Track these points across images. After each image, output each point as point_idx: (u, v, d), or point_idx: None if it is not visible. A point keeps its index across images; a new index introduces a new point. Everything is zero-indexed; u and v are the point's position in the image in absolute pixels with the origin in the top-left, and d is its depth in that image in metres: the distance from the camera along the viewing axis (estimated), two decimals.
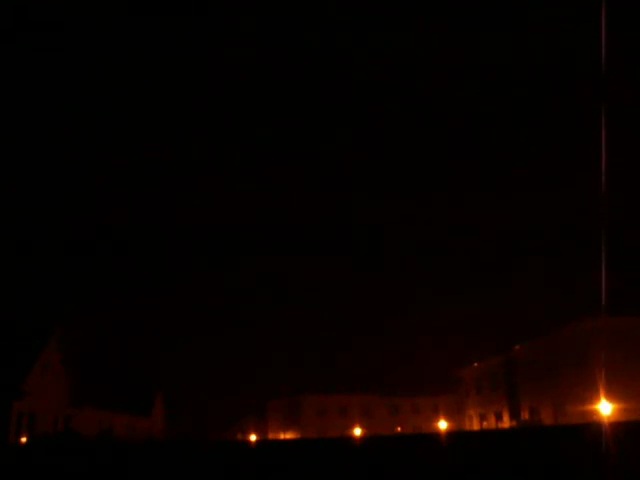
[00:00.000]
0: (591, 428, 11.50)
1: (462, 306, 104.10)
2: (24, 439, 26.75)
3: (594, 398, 24.87)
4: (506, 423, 35.50)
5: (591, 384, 25.58)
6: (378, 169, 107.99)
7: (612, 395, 23.69)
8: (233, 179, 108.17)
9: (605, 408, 21.99)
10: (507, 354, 36.39)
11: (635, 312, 27.13)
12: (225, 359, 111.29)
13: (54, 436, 23.45)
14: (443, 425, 36.03)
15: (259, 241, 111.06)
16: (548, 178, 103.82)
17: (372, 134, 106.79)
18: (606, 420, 18.83)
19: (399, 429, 57.26)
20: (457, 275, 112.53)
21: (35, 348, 30.52)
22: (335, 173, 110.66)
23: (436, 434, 14.20)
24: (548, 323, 32.19)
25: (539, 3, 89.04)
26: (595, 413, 23.94)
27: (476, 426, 40.31)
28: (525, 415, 33.45)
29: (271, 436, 58.25)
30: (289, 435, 56.10)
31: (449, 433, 19.40)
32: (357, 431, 44.28)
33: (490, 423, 38.13)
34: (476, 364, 41.33)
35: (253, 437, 47.83)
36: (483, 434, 20.96)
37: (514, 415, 34.72)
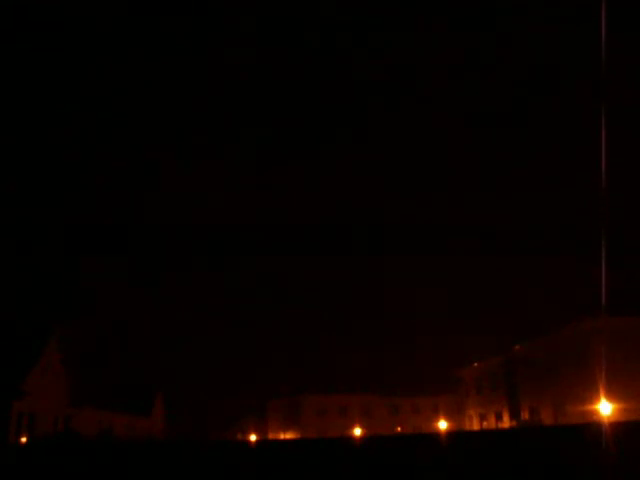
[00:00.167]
0: (591, 428, 11.50)
1: (462, 306, 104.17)
2: (24, 439, 26.76)
3: (594, 398, 24.88)
4: (506, 423, 35.49)
5: (591, 384, 25.58)
6: (378, 169, 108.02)
7: (612, 395, 23.69)
8: (233, 179, 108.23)
9: (605, 408, 21.98)
10: (507, 354, 36.39)
11: (635, 312, 27.13)
12: (225, 359, 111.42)
13: (54, 436, 23.49)
14: (443, 425, 36.03)
15: (259, 241, 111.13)
16: (548, 178, 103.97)
17: (372, 134, 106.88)
18: (606, 420, 18.83)
19: (399, 429, 57.26)
20: (457, 275, 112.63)
21: (35, 348, 30.52)
22: (335, 173, 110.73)
23: (436, 434, 14.20)
24: (548, 323, 32.24)
25: (539, 3, 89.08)
26: (595, 413, 23.93)
27: (476, 426, 40.30)
28: (525, 415, 33.44)
29: (271, 436, 58.25)
30: (289, 435, 56.09)
31: (449, 433, 19.40)
32: (357, 431, 44.28)
33: (490, 423, 38.12)
34: (476, 364, 41.32)
35: (253, 437, 47.83)
36: (483, 434, 20.95)
37: (514, 415, 34.72)
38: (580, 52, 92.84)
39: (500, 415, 36.96)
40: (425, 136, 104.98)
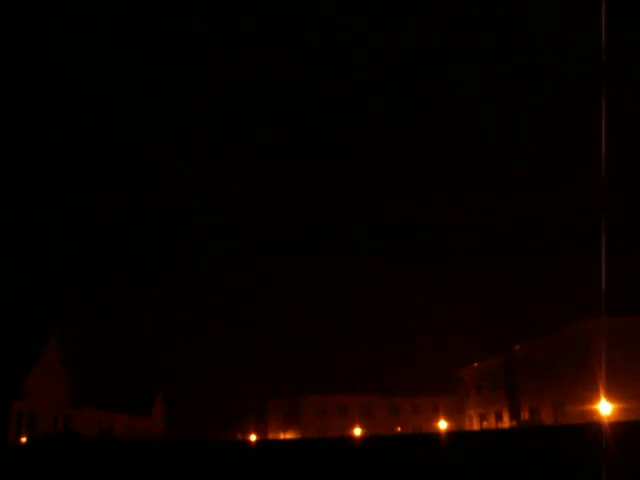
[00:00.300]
0: (591, 428, 11.50)
1: (462, 306, 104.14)
2: (24, 439, 26.77)
3: (594, 398, 24.88)
4: (506, 423, 35.50)
5: (591, 384, 25.59)
6: (378, 169, 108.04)
7: (612, 395, 23.69)
8: (233, 179, 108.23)
9: (605, 408, 21.99)
10: (507, 354, 36.40)
11: (635, 312, 27.15)
12: (225, 359, 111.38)
13: (54, 436, 23.51)
14: (443, 425, 36.03)
15: (259, 241, 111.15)
16: (548, 178, 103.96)
17: (372, 134, 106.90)
18: (606, 420, 18.84)
19: (399, 429, 57.26)
20: (457, 275, 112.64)
21: (35, 348, 30.53)
22: (335, 173, 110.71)
23: (436, 434, 14.21)
24: (548, 323, 32.24)
25: (540, 3, 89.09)
26: (595, 413, 23.93)
27: (476, 426, 40.31)
28: (525, 415, 33.45)
29: (271, 436, 58.26)
30: (289, 435, 56.11)
31: (449, 433, 19.41)
32: (357, 431, 44.29)
33: (490, 423, 38.13)
34: (476, 364, 41.33)
35: (253, 437, 47.84)
36: (483, 434, 20.97)
37: (514, 415, 34.73)
38: (580, 52, 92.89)
39: (500, 415, 36.96)
40: (425, 136, 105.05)
